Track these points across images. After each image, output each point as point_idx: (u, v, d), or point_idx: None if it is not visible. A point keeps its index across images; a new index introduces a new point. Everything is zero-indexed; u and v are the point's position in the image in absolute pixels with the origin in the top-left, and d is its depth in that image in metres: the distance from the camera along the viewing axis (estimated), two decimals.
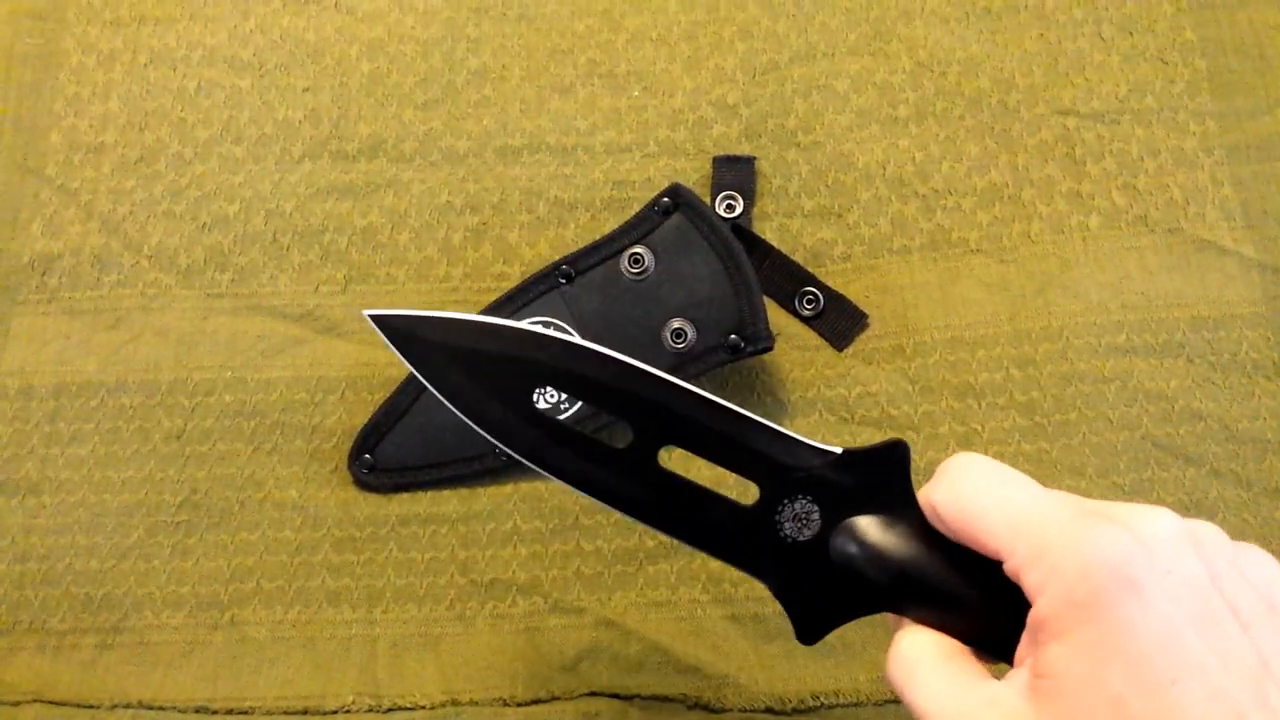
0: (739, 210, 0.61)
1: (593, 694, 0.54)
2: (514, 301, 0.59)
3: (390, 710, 0.53)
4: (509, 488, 0.58)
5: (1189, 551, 0.30)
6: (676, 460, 0.43)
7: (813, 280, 0.60)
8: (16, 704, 0.53)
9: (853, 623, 0.53)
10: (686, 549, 0.39)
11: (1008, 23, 0.66)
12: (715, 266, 0.57)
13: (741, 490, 0.38)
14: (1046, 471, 0.57)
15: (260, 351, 0.60)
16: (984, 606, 0.33)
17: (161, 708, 0.54)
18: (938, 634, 0.34)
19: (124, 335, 0.61)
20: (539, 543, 0.57)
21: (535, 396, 0.39)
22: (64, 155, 0.64)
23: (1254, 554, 0.31)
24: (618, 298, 0.58)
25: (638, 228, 0.59)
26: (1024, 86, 0.64)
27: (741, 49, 0.65)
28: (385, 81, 0.65)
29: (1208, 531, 0.31)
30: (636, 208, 0.60)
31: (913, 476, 0.37)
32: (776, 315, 0.60)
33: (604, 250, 0.59)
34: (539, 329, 0.39)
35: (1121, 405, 0.58)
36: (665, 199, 0.59)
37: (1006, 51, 0.65)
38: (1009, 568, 0.32)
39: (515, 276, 0.61)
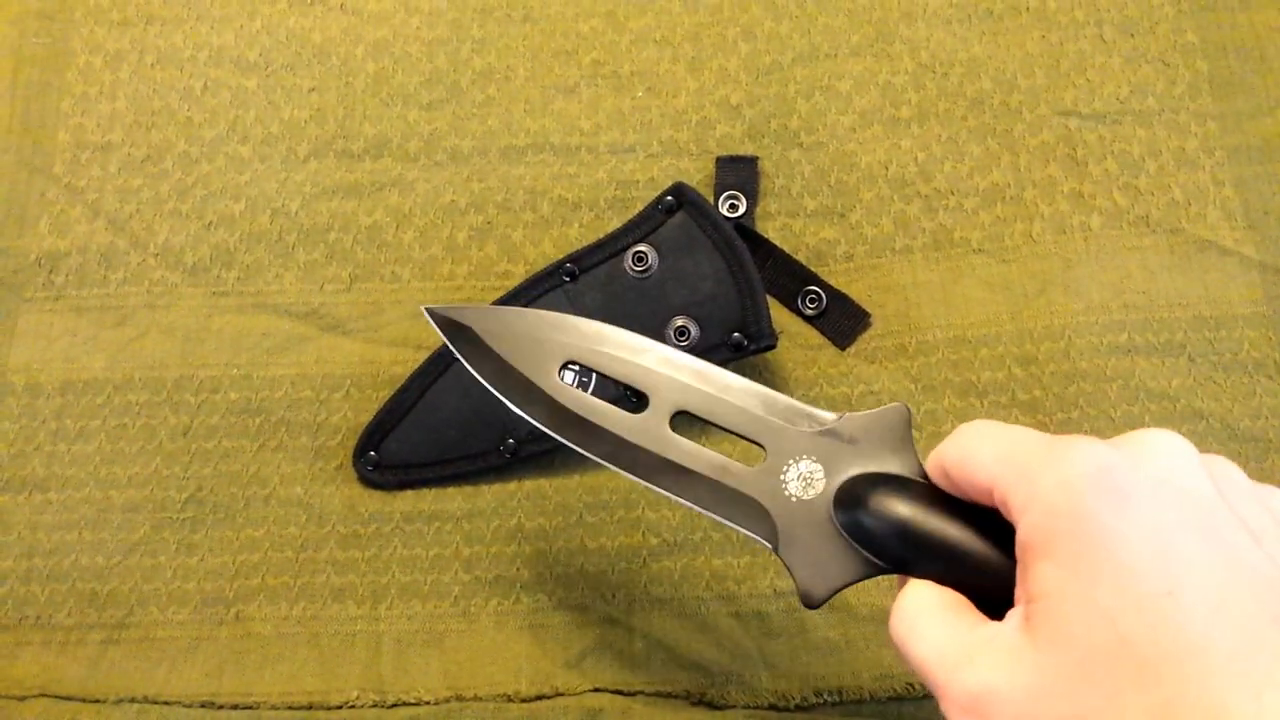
0: (742, 210, 0.61)
1: (596, 690, 0.54)
2: (518, 299, 0.59)
3: (394, 706, 0.54)
4: (513, 485, 0.58)
5: (1195, 469, 0.29)
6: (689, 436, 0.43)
7: (815, 279, 0.61)
8: (23, 698, 0.54)
9: (856, 621, 0.54)
10: (695, 512, 0.40)
11: (1010, 24, 0.66)
12: (718, 265, 0.58)
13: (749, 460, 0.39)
14: None
15: (265, 349, 0.61)
16: (987, 561, 0.33)
17: (167, 702, 0.54)
18: (940, 587, 0.34)
19: (130, 333, 0.61)
20: (543, 540, 0.57)
21: (560, 372, 0.43)
22: (71, 154, 0.65)
23: (1275, 490, 0.30)
24: (621, 296, 0.58)
25: (641, 226, 0.59)
26: (1026, 88, 0.64)
27: (745, 50, 0.66)
28: (390, 82, 0.66)
29: (1224, 462, 0.30)
30: (640, 207, 0.60)
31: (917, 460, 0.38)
32: (779, 314, 0.60)
33: (608, 248, 0.59)
34: (563, 313, 0.44)
35: (1123, 404, 0.58)
36: (669, 198, 0.59)
37: (1008, 53, 0.65)
38: (997, 497, 0.31)
39: (519, 275, 0.61)
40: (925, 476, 0.37)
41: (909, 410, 0.38)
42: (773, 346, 0.57)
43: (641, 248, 0.59)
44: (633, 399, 0.42)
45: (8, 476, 0.58)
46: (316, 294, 0.62)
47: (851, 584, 0.37)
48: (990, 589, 0.33)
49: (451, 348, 0.45)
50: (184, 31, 0.67)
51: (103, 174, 0.64)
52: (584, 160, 0.64)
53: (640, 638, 0.55)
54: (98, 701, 0.54)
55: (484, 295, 0.61)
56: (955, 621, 0.32)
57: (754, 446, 0.40)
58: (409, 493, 0.58)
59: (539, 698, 0.54)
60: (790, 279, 0.61)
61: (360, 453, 0.58)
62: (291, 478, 0.58)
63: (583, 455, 0.42)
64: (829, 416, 0.39)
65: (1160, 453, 0.29)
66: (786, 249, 0.61)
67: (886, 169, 0.63)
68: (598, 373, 0.43)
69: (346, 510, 0.58)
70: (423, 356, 0.59)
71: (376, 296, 0.62)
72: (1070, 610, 0.27)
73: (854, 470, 0.38)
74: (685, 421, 0.41)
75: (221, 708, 0.54)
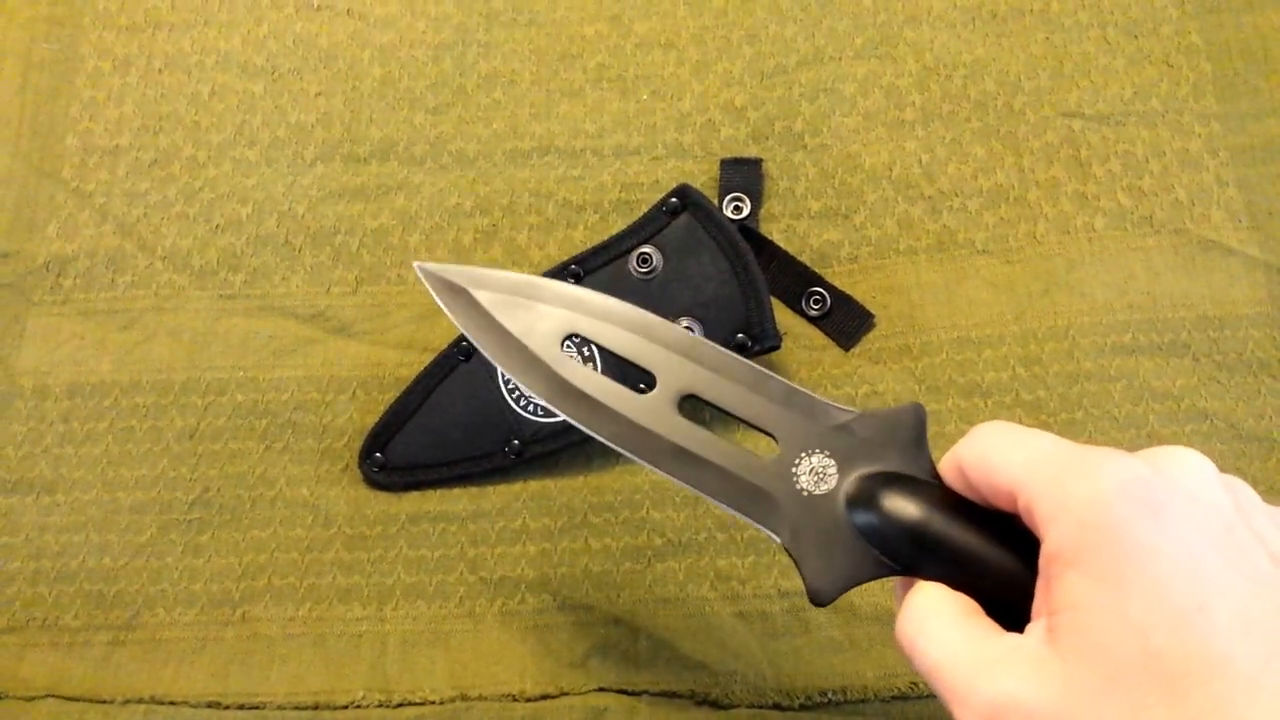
0: (746, 212, 0.62)
1: (601, 690, 0.54)
2: None
3: (400, 705, 0.54)
4: (518, 486, 0.58)
5: (1217, 487, 0.29)
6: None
7: (819, 280, 0.61)
8: (31, 699, 0.54)
9: (860, 621, 0.54)
10: (704, 500, 0.39)
11: (1013, 26, 0.66)
12: (723, 266, 0.58)
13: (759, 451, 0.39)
14: None
15: (272, 351, 0.61)
16: (1001, 568, 0.33)
17: (174, 703, 0.54)
18: (951, 591, 0.33)
19: (138, 336, 0.61)
20: (548, 540, 0.57)
21: (564, 347, 0.41)
22: (79, 158, 0.65)
23: None
24: (626, 297, 0.58)
25: (646, 228, 0.59)
26: (1029, 89, 0.65)
27: (749, 53, 0.66)
28: (396, 86, 0.66)
29: (1240, 482, 0.30)
30: (644, 210, 0.60)
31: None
32: (783, 315, 0.61)
33: (612, 250, 0.59)
34: (571, 284, 0.41)
35: (1127, 404, 0.58)
36: (673, 199, 0.59)
37: (1012, 55, 0.65)
38: (1022, 504, 0.31)
39: None
40: (938, 478, 0.36)
41: (924, 410, 0.38)
42: (777, 347, 0.57)
43: (646, 249, 0.59)
44: (640, 380, 0.40)
45: (15, 478, 0.59)
46: (323, 296, 0.62)
47: (861, 583, 0.36)
48: (1002, 596, 0.33)
49: (445, 309, 0.42)
50: (191, 37, 0.68)
51: (111, 178, 0.65)
52: (589, 163, 0.64)
53: (645, 638, 0.55)
54: (105, 702, 0.54)
55: None
56: (969, 627, 0.32)
57: (765, 437, 0.39)
58: (414, 494, 0.58)
59: (544, 697, 0.54)
60: (794, 280, 0.61)
61: (366, 454, 0.58)
62: (298, 479, 0.59)
63: (586, 434, 0.40)
64: (845, 412, 0.38)
65: (1189, 470, 0.29)
66: (791, 250, 0.61)
67: (890, 171, 0.63)
68: (603, 348, 0.41)
69: (352, 511, 0.58)
70: (428, 359, 0.59)
71: (382, 299, 0.62)
72: (1100, 622, 0.27)
73: (867, 468, 0.37)
74: (695, 407, 0.40)
75: (228, 708, 0.54)
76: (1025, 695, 0.28)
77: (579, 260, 0.59)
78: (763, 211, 0.63)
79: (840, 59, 0.66)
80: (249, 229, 0.63)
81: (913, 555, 0.35)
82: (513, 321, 0.41)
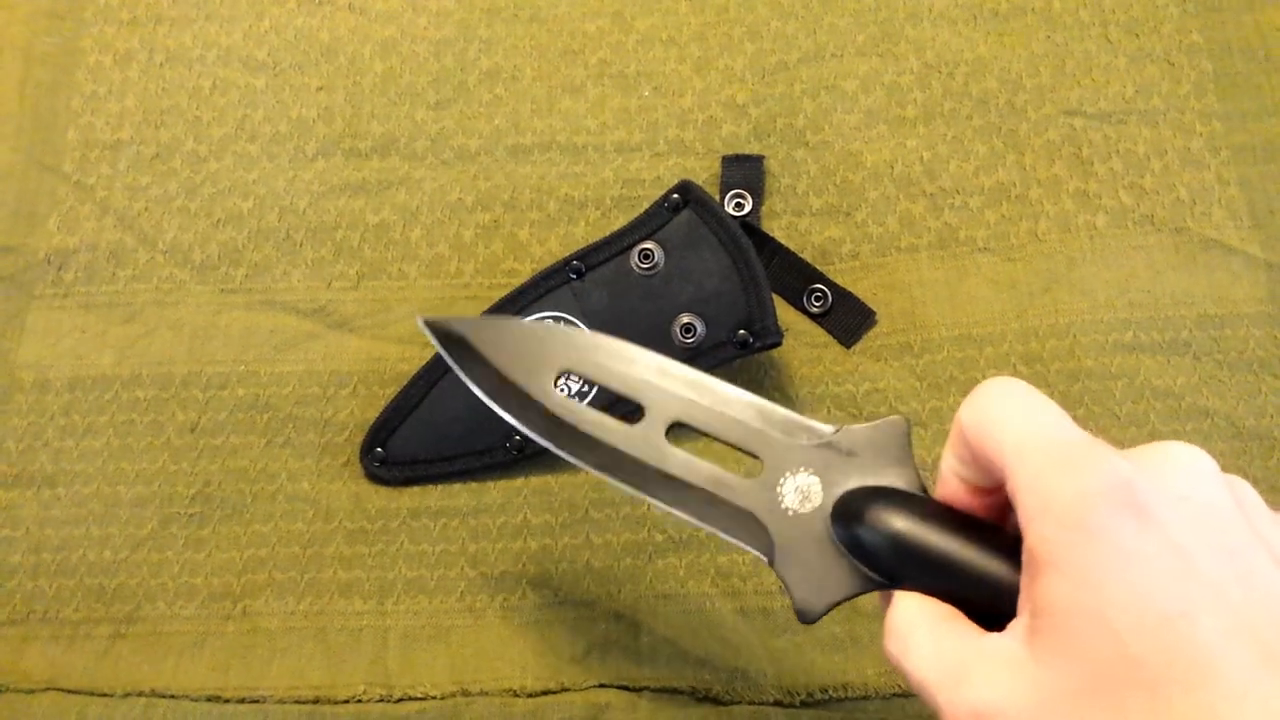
0: (748, 208, 0.62)
1: (602, 686, 0.54)
2: (525, 296, 0.59)
3: (401, 700, 0.54)
4: (519, 481, 0.58)
5: (1218, 485, 0.28)
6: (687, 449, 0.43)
7: (821, 277, 0.61)
8: (31, 692, 0.54)
9: (861, 618, 0.55)
10: (691, 525, 0.40)
11: (1015, 24, 0.66)
12: (724, 262, 0.58)
13: (746, 473, 0.39)
14: None
15: (273, 346, 0.61)
16: (987, 575, 0.33)
17: (174, 696, 0.54)
18: (928, 598, 0.33)
19: (139, 329, 0.61)
20: (549, 536, 0.57)
21: (557, 384, 0.42)
22: (80, 152, 0.65)
23: None
24: (627, 293, 0.59)
25: (647, 224, 0.59)
26: (1031, 87, 0.65)
27: (750, 50, 0.66)
28: (398, 81, 0.66)
29: (1244, 484, 0.29)
30: (646, 206, 0.60)
31: (921, 471, 0.37)
32: (785, 312, 0.61)
33: (614, 246, 0.59)
34: (560, 324, 0.44)
35: (1128, 402, 0.58)
36: (675, 195, 0.59)
37: (1014, 53, 0.65)
38: (1009, 490, 0.30)
39: (526, 273, 0.61)
40: (924, 490, 0.37)
41: (908, 423, 0.38)
42: (778, 344, 0.57)
43: (648, 245, 0.59)
44: (630, 410, 0.41)
45: (16, 472, 0.59)
46: (324, 291, 0.62)
47: (848, 599, 0.36)
48: (990, 605, 0.32)
49: (447, 358, 0.44)
50: (193, 31, 0.68)
51: (112, 172, 0.64)
52: (590, 159, 0.64)
53: (646, 634, 0.55)
54: (105, 695, 0.54)
55: (491, 293, 0.61)
56: (949, 633, 0.31)
57: (751, 459, 0.39)
58: (415, 489, 0.58)
59: (545, 693, 0.54)
60: (796, 277, 0.61)
61: (367, 449, 0.58)
62: (299, 474, 0.59)
63: (578, 466, 0.42)
64: (827, 429, 0.39)
65: (1182, 467, 0.28)
66: (792, 247, 0.61)
67: (892, 168, 0.63)
68: (595, 383, 0.42)
69: (353, 506, 0.58)
70: (429, 354, 0.59)
71: (384, 294, 0.62)
72: (1079, 626, 0.26)
73: (852, 483, 0.37)
74: (683, 434, 0.40)
75: (228, 702, 0.54)
76: (1002, 700, 0.28)
77: (580, 256, 0.59)
78: (764, 208, 0.63)
79: (842, 56, 0.66)
80: (250, 223, 0.63)
81: (898, 568, 0.35)
82: (510, 366, 0.43)
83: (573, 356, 0.42)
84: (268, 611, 0.56)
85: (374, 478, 0.58)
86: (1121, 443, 0.56)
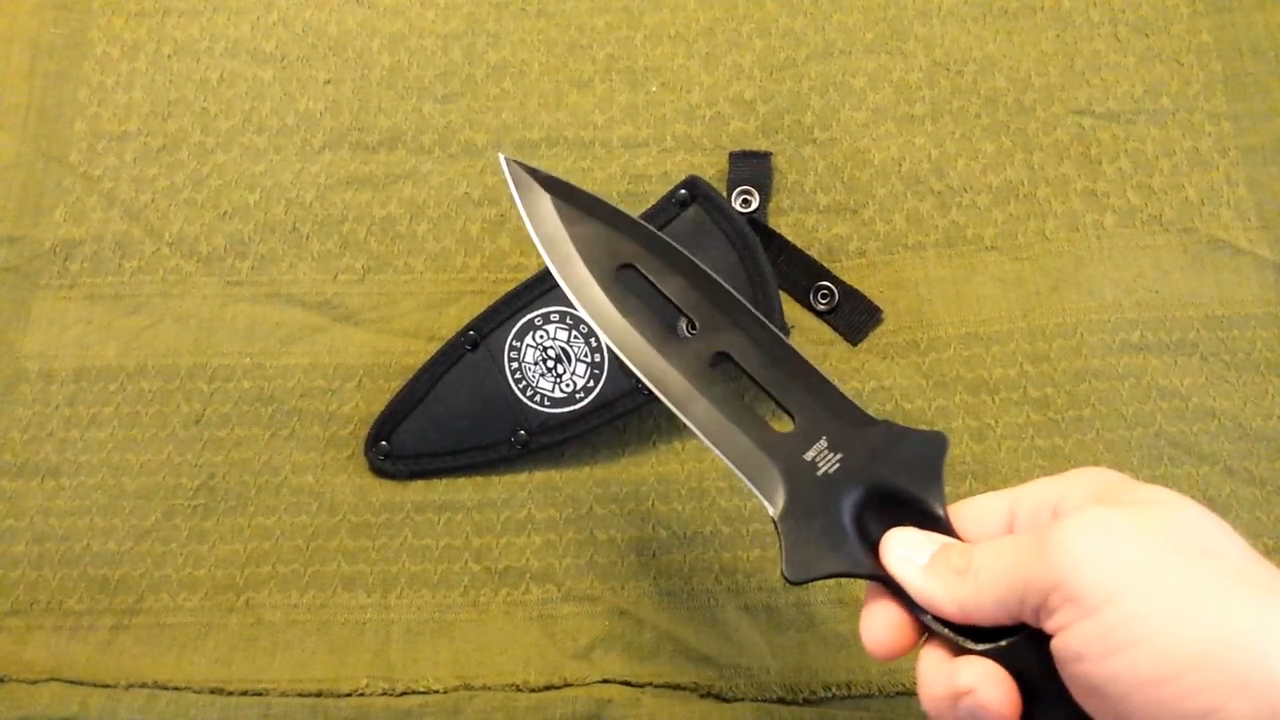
0: (755, 205, 0.62)
1: (605, 681, 0.54)
2: (531, 291, 0.59)
3: (403, 694, 0.54)
4: (524, 476, 0.58)
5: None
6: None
7: (827, 275, 0.61)
8: (34, 682, 0.54)
9: None
10: (710, 451, 0.40)
11: (1024, 23, 0.66)
12: (731, 258, 0.58)
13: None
14: (1060, 466, 0.57)
15: (279, 339, 0.61)
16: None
17: (177, 688, 0.54)
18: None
19: (144, 321, 0.61)
20: (553, 531, 0.57)
21: (618, 271, 0.42)
22: (87, 143, 0.65)
23: None
24: None
25: (655, 218, 0.59)
26: (1040, 86, 0.64)
27: (759, 46, 0.66)
28: (405, 74, 0.66)
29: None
30: (653, 202, 0.60)
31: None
32: (791, 309, 0.61)
33: None
34: (644, 223, 0.43)
35: (1135, 402, 0.58)
36: (683, 191, 0.59)
37: (1023, 51, 0.65)
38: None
39: (532, 267, 0.61)
40: (944, 507, 0.37)
41: (948, 441, 0.38)
42: None
43: None
44: (688, 327, 0.42)
45: (21, 462, 0.59)
46: (330, 284, 0.62)
47: (837, 576, 0.37)
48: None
49: (520, 205, 0.43)
50: (201, 23, 0.68)
51: (119, 163, 0.64)
52: (598, 154, 0.64)
53: (649, 630, 0.55)
54: (108, 686, 0.54)
55: (497, 287, 0.61)
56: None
57: (785, 417, 0.40)
58: (420, 483, 0.58)
59: (548, 688, 0.54)
60: (803, 274, 0.61)
61: (372, 442, 0.58)
62: (303, 466, 0.58)
63: (620, 360, 0.42)
64: (870, 417, 0.39)
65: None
66: (799, 244, 0.61)
67: (900, 165, 0.63)
68: (658, 287, 0.42)
69: (357, 499, 0.58)
70: (435, 348, 0.59)
71: (389, 287, 0.62)
72: None
73: (877, 477, 0.37)
74: (727, 369, 0.41)
75: (231, 694, 0.54)
76: None
77: None
78: (771, 205, 0.63)
79: (850, 53, 0.66)
80: (257, 216, 0.63)
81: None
82: (579, 238, 0.42)
83: (643, 254, 0.42)
84: (271, 604, 0.56)
85: (378, 471, 0.58)
86: (1128, 443, 0.56)
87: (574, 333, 0.57)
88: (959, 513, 0.36)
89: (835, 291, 0.60)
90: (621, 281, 0.42)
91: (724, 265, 0.58)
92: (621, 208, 0.43)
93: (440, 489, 0.58)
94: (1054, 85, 0.64)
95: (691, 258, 0.42)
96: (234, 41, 0.67)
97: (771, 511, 0.38)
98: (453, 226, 0.63)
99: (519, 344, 0.58)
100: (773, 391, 0.40)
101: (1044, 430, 0.58)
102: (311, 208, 0.63)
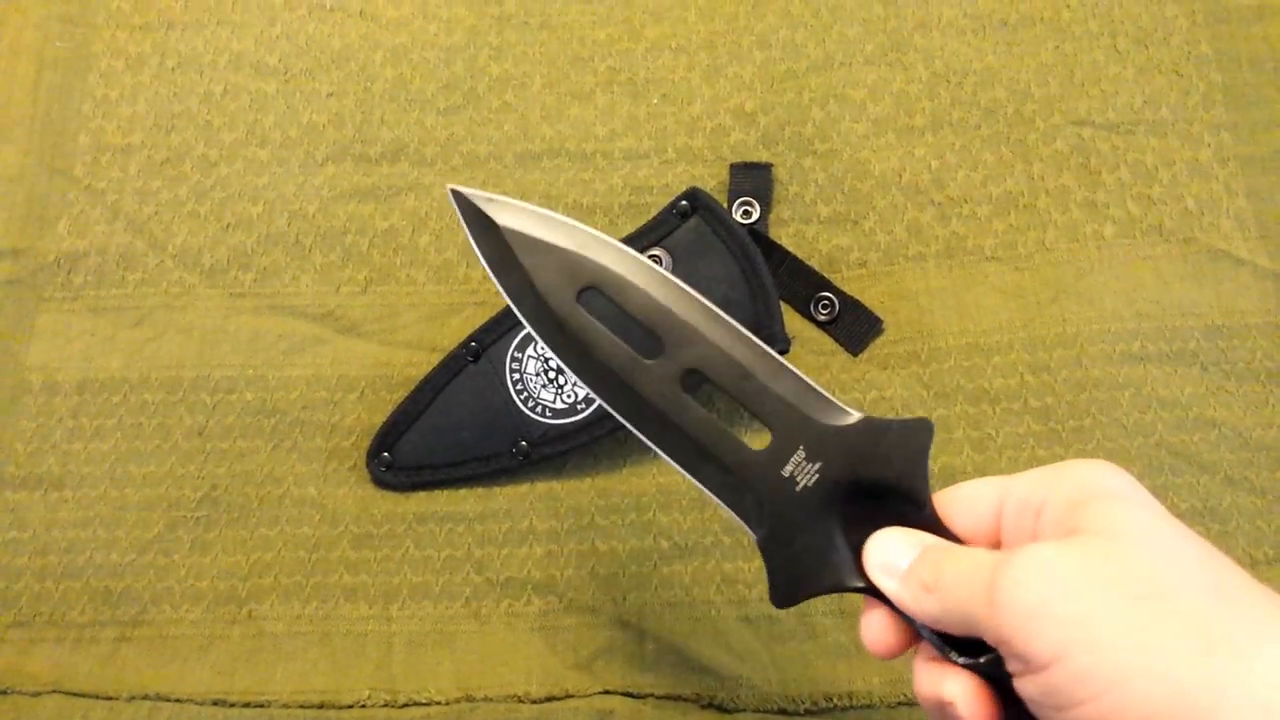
0: (755, 216, 0.62)
1: (606, 692, 0.54)
2: None
3: (405, 706, 0.54)
4: (525, 487, 0.58)
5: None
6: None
7: (828, 285, 0.61)
8: (36, 694, 0.54)
9: None
10: (675, 469, 0.39)
11: (1024, 35, 0.66)
12: (732, 269, 0.58)
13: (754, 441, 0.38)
14: None
15: (281, 350, 0.61)
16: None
17: (179, 700, 0.54)
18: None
19: (147, 333, 0.61)
20: (554, 542, 0.57)
21: (580, 294, 0.39)
22: (91, 156, 0.65)
23: None
24: None
25: (656, 230, 0.59)
26: (1040, 97, 0.65)
27: (759, 58, 0.66)
28: (408, 87, 0.66)
29: None
30: (654, 213, 0.60)
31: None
32: (792, 320, 0.61)
33: None
34: (603, 236, 0.40)
35: (1135, 412, 0.58)
36: (683, 202, 0.59)
37: (1022, 63, 0.66)
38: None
39: None
40: (930, 498, 0.35)
41: (933, 428, 0.36)
42: (785, 351, 0.57)
43: (656, 252, 0.59)
44: (650, 345, 0.39)
45: (24, 474, 0.59)
46: (332, 296, 0.62)
47: (828, 593, 0.36)
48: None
49: (469, 237, 0.41)
50: (204, 36, 0.68)
51: (122, 176, 0.65)
52: (599, 166, 0.64)
53: (651, 641, 0.55)
54: (110, 698, 0.54)
55: (498, 299, 0.60)
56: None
57: (760, 427, 0.38)
58: (421, 494, 0.58)
59: (549, 699, 0.54)
60: (803, 285, 0.61)
61: (374, 454, 0.58)
62: (305, 478, 0.59)
63: (583, 387, 0.39)
64: (852, 414, 0.37)
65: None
66: (800, 255, 0.61)
67: (900, 176, 0.63)
68: (620, 306, 0.39)
69: (359, 511, 0.58)
70: (437, 359, 0.60)
71: (392, 299, 0.62)
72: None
73: (860, 477, 0.36)
74: (699, 383, 0.39)
75: (233, 706, 0.54)
76: None
77: None
78: (772, 216, 0.63)
79: (850, 65, 0.66)
80: (260, 228, 0.64)
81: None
82: (536, 268, 0.40)
83: (604, 272, 0.39)
84: (273, 616, 0.56)
85: (380, 483, 0.58)
86: (1129, 452, 0.56)
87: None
88: (950, 499, 0.35)
89: (836, 302, 0.60)
90: (584, 305, 0.39)
91: (725, 276, 0.58)
92: (581, 225, 0.40)
93: (442, 500, 0.58)
94: (1054, 96, 0.65)
95: (654, 267, 0.39)
96: (237, 55, 0.67)
97: (754, 537, 0.37)
98: (455, 238, 0.63)
99: (521, 355, 0.58)
100: (746, 403, 0.38)
101: (1044, 440, 0.58)
102: (314, 220, 0.64)
